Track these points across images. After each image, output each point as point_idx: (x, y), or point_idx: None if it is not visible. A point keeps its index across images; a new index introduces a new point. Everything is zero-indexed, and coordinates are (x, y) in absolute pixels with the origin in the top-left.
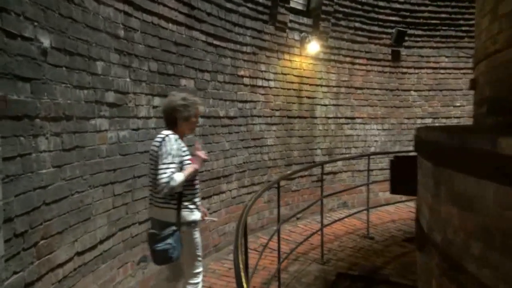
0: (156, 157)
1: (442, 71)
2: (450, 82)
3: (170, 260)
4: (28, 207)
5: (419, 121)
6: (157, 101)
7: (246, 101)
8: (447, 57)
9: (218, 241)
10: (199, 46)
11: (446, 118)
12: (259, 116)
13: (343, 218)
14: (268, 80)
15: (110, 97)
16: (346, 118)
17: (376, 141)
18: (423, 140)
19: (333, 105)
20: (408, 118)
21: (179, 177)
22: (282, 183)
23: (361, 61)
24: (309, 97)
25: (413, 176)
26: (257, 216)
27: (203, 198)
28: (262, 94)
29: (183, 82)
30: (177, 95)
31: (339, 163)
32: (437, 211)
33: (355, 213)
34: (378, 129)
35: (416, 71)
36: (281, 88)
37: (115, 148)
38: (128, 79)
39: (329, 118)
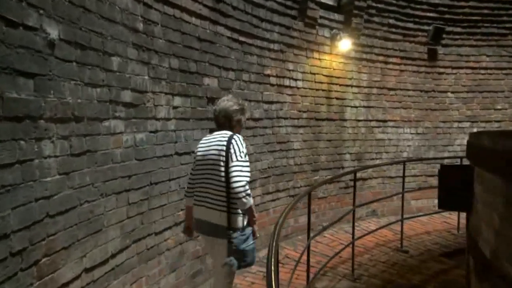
0: (222, 156)
1: (482, 71)
2: (491, 83)
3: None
4: (28, 221)
5: (455, 124)
6: (177, 101)
7: (272, 102)
8: (488, 56)
9: None
10: (223, 43)
11: (486, 122)
12: (285, 118)
13: (376, 230)
14: (296, 80)
15: (127, 96)
16: (378, 121)
17: (409, 145)
18: (486, 148)
19: (364, 107)
20: (443, 122)
21: (251, 201)
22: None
23: (394, 60)
24: (338, 98)
25: (466, 189)
26: None
27: None
28: (289, 95)
29: (206, 80)
30: (231, 99)
31: (370, 169)
32: (507, 237)
33: (389, 224)
34: (411, 133)
35: (454, 71)
36: (309, 89)
37: (131, 152)
38: (146, 77)
39: (359, 120)
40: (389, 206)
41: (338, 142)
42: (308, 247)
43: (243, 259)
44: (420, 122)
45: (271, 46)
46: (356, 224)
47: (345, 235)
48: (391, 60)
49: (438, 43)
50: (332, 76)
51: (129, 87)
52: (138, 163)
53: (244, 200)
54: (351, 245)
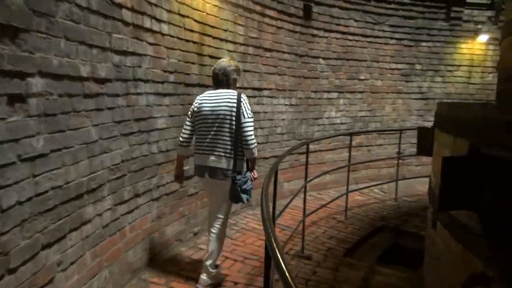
0: (236, 112)
1: (350, 37)
2: (357, 51)
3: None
4: None
5: (325, 95)
6: None
7: (126, 53)
8: (356, 21)
9: None
10: None
11: (351, 92)
12: (145, 81)
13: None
14: (159, 21)
15: None
16: (254, 89)
17: (283, 119)
18: (441, 114)
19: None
20: (315, 92)
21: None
22: (176, 186)
23: (272, 13)
24: (212, 57)
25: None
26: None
27: (47, 243)
28: (151, 44)
29: None
30: (228, 61)
31: None
32: None
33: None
34: (285, 104)
35: (326, 34)
36: (178, 38)
37: None
38: None
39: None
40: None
41: None
42: None
43: (244, 195)
44: (294, 91)
45: None
46: (233, 221)
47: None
48: (268, 12)
49: None
50: (205, 24)
51: None
52: None
53: (253, 150)
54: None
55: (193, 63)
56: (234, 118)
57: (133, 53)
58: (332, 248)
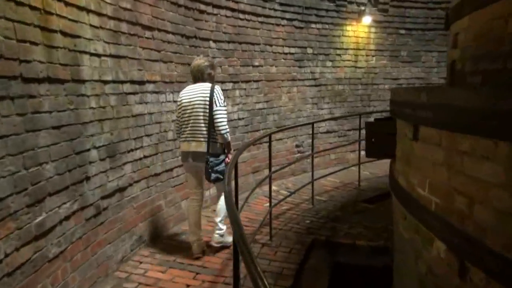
0: (209, 102)
1: (241, 15)
2: (249, 32)
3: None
4: None
5: (221, 86)
6: None
7: None
8: None
9: None
10: None
11: (246, 82)
12: None
13: None
14: None
15: None
16: (133, 83)
17: (174, 120)
18: (396, 101)
19: (112, 56)
20: None
21: (229, 136)
22: None
23: None
24: (66, 34)
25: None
26: None
27: None
28: None
29: None
30: (202, 58)
31: (126, 168)
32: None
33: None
34: (175, 101)
35: (215, 11)
36: None
37: None
38: None
39: (106, 82)
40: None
41: (75, 130)
42: None
43: (214, 175)
44: (183, 83)
45: None
46: (123, 273)
47: None
48: None
49: None
50: None
51: None
52: None
53: (225, 135)
54: None
55: (36, 43)
56: (207, 107)
57: None
58: None
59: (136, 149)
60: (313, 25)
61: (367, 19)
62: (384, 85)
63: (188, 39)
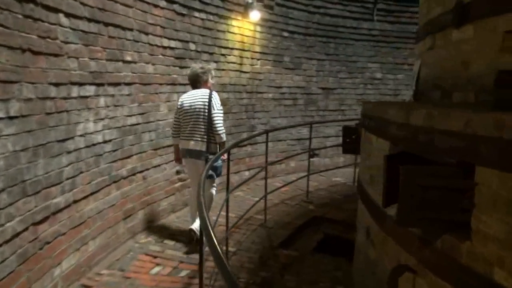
0: (208, 106)
1: None
2: (119, 10)
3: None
4: None
5: (76, 90)
6: None
7: None
8: None
9: None
10: None
11: (115, 85)
12: None
13: None
14: None
15: None
16: None
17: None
18: (366, 115)
19: None
20: (56, 84)
21: (225, 136)
22: None
23: None
24: None
25: (357, 141)
26: None
27: None
28: None
29: None
30: (197, 65)
31: None
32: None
33: None
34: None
35: None
36: None
37: None
38: None
39: None
40: None
41: None
42: None
43: (215, 172)
44: (13, 84)
45: None
46: None
47: None
48: None
49: None
50: None
51: None
52: None
53: (222, 135)
54: None
55: None
56: (206, 111)
57: None
58: None
59: None
60: (196, 14)
61: (255, 15)
62: (268, 93)
63: (22, 3)
